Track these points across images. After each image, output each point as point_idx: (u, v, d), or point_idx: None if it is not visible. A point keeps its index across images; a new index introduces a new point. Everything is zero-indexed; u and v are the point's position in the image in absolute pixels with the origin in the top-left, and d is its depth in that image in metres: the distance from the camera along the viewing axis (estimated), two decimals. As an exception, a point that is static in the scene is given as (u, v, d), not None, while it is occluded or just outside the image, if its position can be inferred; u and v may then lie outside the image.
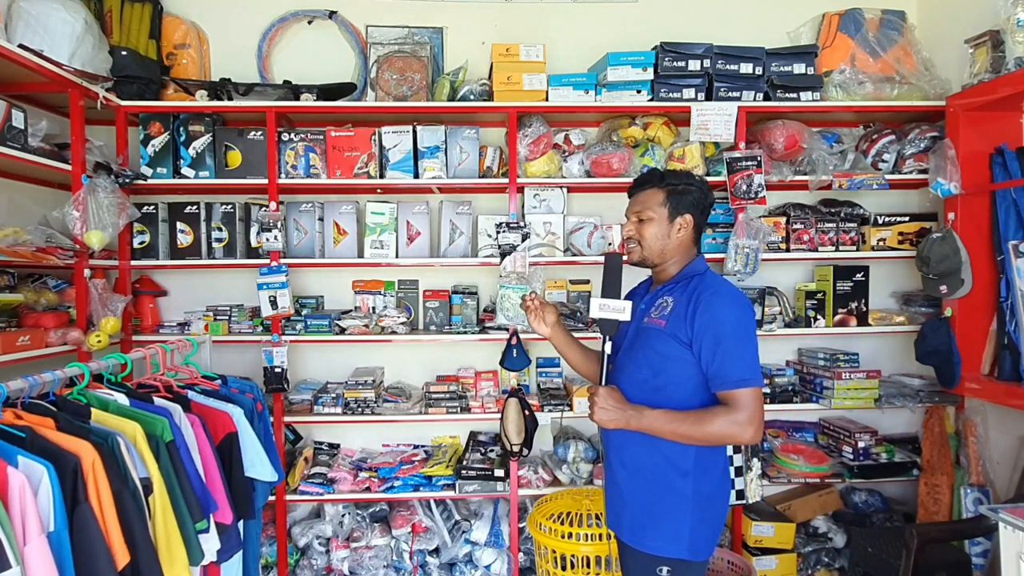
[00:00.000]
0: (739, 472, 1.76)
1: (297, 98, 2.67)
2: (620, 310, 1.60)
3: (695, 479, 1.57)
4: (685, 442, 1.54)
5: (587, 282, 3.01)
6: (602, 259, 2.70)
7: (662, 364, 1.59)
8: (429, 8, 2.99)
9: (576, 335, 2.71)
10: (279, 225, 2.61)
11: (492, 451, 2.82)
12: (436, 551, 2.77)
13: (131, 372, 1.81)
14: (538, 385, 2.96)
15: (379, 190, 2.90)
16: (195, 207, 2.77)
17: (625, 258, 1.72)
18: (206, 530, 1.60)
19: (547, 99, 2.67)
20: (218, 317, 2.80)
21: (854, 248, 2.84)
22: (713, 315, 1.53)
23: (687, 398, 1.57)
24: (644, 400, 1.59)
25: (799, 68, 2.70)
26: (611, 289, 1.65)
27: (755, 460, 2.66)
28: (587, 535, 2.19)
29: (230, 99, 2.67)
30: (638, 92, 2.68)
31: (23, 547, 1.13)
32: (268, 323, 2.70)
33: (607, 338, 1.63)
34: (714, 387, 1.54)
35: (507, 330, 2.65)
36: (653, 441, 1.57)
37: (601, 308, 1.61)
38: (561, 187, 2.81)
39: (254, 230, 2.75)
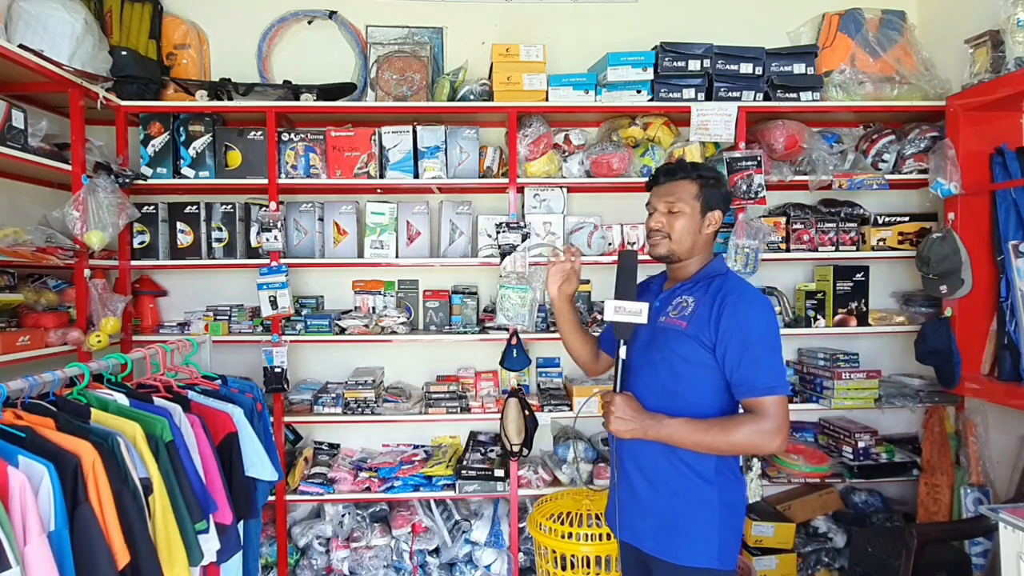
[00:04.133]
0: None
1: (297, 98, 2.67)
2: (637, 312, 1.50)
3: (719, 487, 1.52)
4: (707, 452, 1.48)
5: (587, 282, 3.00)
6: (602, 259, 2.75)
7: (682, 368, 1.52)
8: (429, 8, 2.99)
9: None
10: (279, 225, 2.61)
11: (492, 451, 2.82)
12: (436, 551, 2.77)
13: (131, 372, 1.81)
14: (538, 385, 2.96)
15: (379, 190, 2.90)
16: (195, 207, 2.77)
17: (645, 253, 1.63)
18: (205, 531, 1.59)
19: (547, 99, 2.67)
20: (218, 317, 2.80)
21: (854, 248, 2.83)
22: (740, 319, 1.47)
23: (706, 404, 1.52)
24: (661, 406, 1.52)
25: (799, 68, 2.70)
26: (626, 290, 1.54)
27: (755, 460, 2.67)
28: (587, 535, 2.20)
29: (230, 99, 2.67)
30: (638, 92, 2.68)
31: (23, 547, 1.13)
32: (268, 323, 2.70)
33: (622, 342, 1.53)
34: (739, 394, 1.48)
35: (507, 330, 2.65)
36: (672, 448, 1.51)
37: (617, 311, 1.51)
38: (561, 187, 2.81)
39: (254, 230, 2.75)
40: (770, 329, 1.49)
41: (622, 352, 1.53)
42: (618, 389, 1.54)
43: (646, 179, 2.65)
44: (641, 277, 1.79)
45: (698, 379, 1.52)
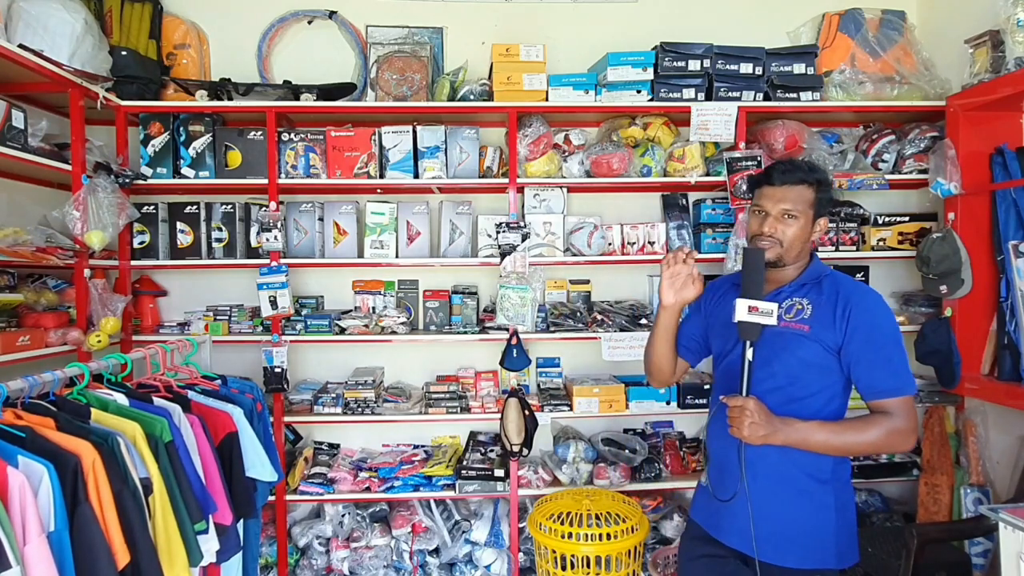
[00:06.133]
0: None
1: (297, 98, 2.67)
2: (768, 313, 1.42)
3: (835, 488, 1.51)
4: (837, 454, 1.47)
5: (587, 282, 3.01)
6: (601, 259, 2.74)
7: (801, 371, 1.49)
8: (429, 8, 2.99)
9: (577, 335, 2.75)
10: (279, 225, 2.61)
11: (492, 451, 2.82)
12: (436, 551, 2.77)
13: (131, 372, 1.81)
14: (538, 385, 2.95)
15: (379, 190, 2.89)
16: (195, 207, 2.77)
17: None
18: (205, 531, 1.59)
19: (547, 99, 2.67)
20: (218, 317, 2.80)
21: (854, 248, 2.83)
22: (870, 319, 1.46)
23: (822, 407, 1.50)
24: (777, 410, 1.46)
25: (799, 68, 2.70)
26: (755, 289, 1.46)
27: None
28: (587, 535, 2.20)
29: (230, 99, 2.67)
30: (638, 92, 2.68)
31: (23, 547, 1.13)
32: (268, 323, 2.70)
33: (748, 343, 1.45)
34: (870, 396, 1.47)
35: (507, 330, 2.65)
36: (787, 452, 1.47)
37: (751, 311, 1.43)
38: (561, 187, 2.81)
39: (254, 230, 2.75)
40: (896, 328, 1.48)
41: (749, 354, 1.46)
42: (746, 393, 1.46)
43: (643, 179, 2.71)
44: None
45: (815, 382, 1.50)
